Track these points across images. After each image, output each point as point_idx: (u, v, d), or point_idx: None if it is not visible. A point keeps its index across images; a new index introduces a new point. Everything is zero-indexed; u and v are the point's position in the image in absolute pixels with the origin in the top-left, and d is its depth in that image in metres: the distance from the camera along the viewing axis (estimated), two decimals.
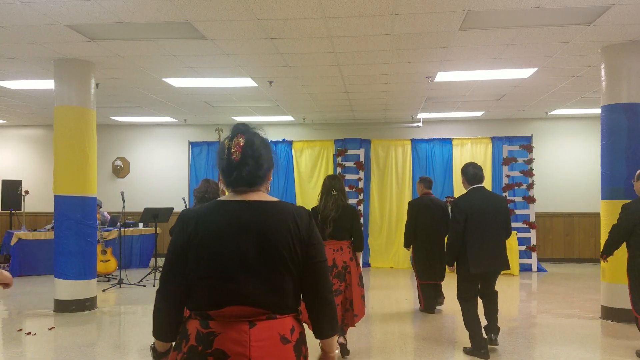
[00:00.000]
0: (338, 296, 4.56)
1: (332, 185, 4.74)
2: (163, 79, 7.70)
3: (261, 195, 1.86)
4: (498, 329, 4.96)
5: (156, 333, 1.86)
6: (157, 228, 9.77)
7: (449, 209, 5.36)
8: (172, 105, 9.73)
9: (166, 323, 1.83)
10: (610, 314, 6.09)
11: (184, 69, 7.12)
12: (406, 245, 6.87)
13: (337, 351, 1.92)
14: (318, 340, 1.92)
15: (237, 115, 10.91)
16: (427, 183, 6.89)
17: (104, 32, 5.68)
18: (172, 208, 9.59)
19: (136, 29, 5.54)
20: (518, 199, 10.41)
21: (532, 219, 10.35)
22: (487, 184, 10.85)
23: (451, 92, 8.67)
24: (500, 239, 4.74)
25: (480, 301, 4.90)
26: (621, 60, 6.09)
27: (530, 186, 10.38)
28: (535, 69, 7.20)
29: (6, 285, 2.33)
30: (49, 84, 7.41)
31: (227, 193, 1.93)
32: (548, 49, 6.26)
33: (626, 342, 5.22)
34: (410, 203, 6.93)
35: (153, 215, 9.04)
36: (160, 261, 9.83)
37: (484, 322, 4.91)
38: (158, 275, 8.90)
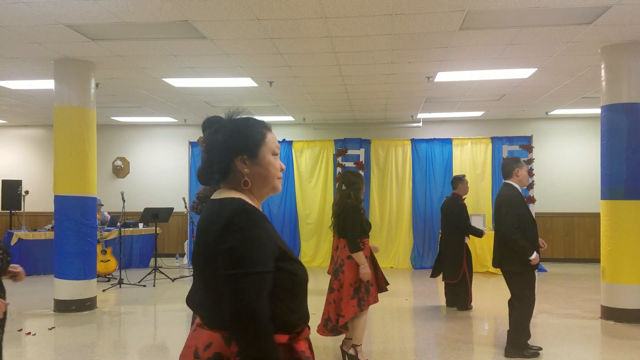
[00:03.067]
0: (331, 294, 4.51)
1: (343, 179, 4.68)
2: (163, 79, 7.70)
3: (221, 193, 1.64)
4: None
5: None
6: (157, 228, 9.77)
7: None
8: (172, 105, 9.73)
9: None
10: (610, 314, 6.09)
11: (184, 69, 7.12)
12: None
13: None
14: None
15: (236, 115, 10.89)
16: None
17: (104, 32, 5.68)
18: (172, 208, 9.59)
19: (136, 29, 5.54)
20: None
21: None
22: (487, 184, 10.87)
23: (451, 92, 8.67)
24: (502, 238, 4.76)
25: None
26: (621, 60, 6.09)
27: (530, 186, 10.37)
28: (535, 69, 7.20)
29: (16, 275, 2.29)
30: (49, 84, 7.41)
31: None
32: (548, 49, 6.26)
33: (626, 342, 5.21)
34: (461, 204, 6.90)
35: (153, 215, 9.04)
36: (160, 261, 9.83)
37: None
38: (158, 275, 8.90)
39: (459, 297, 6.74)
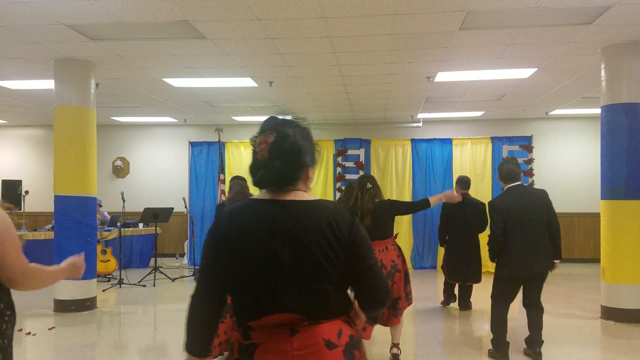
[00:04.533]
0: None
1: (365, 180, 4.59)
2: (163, 79, 7.70)
3: (297, 195, 1.68)
4: (542, 342, 4.66)
5: (189, 346, 1.71)
6: (157, 228, 9.77)
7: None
8: (172, 105, 9.73)
9: (201, 333, 1.70)
10: (610, 314, 6.09)
11: (184, 69, 7.12)
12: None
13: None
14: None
15: (237, 115, 10.92)
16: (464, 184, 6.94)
17: (104, 32, 5.68)
18: (172, 208, 9.59)
19: (136, 29, 5.54)
20: None
21: None
22: (487, 184, 10.86)
23: (451, 92, 8.67)
24: (541, 238, 4.47)
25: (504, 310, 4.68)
26: (621, 60, 6.09)
27: (530, 186, 10.38)
28: (535, 69, 7.20)
29: (76, 270, 2.29)
30: (49, 84, 7.41)
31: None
32: (548, 49, 6.26)
33: (626, 342, 5.22)
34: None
35: (153, 215, 9.04)
36: (160, 261, 9.83)
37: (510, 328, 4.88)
38: (158, 275, 8.91)
39: (463, 298, 6.78)
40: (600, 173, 6.32)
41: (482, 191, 10.80)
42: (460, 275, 6.68)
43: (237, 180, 5.02)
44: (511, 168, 4.59)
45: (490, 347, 4.75)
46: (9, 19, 5.21)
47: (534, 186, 10.37)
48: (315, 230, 1.61)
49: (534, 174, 10.45)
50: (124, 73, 7.38)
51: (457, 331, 5.75)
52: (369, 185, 4.57)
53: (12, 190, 10.62)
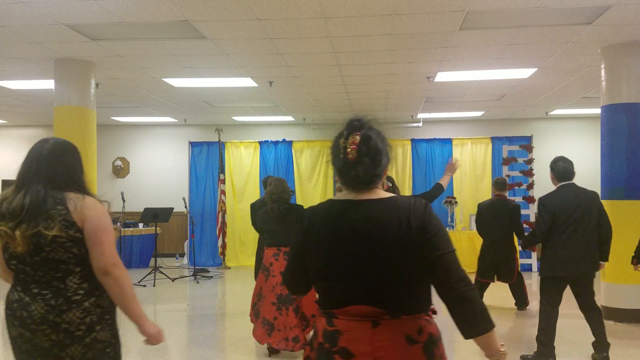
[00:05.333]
0: None
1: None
2: (163, 79, 7.70)
3: (376, 193, 1.77)
4: (609, 344, 4.54)
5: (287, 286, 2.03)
6: (157, 228, 9.77)
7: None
8: (172, 105, 9.73)
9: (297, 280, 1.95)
10: (610, 314, 6.08)
11: (184, 69, 7.12)
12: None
13: (503, 349, 1.71)
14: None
15: (237, 115, 10.91)
16: (500, 185, 6.90)
17: (104, 32, 5.68)
18: (172, 208, 9.59)
19: (136, 29, 5.54)
20: (518, 199, 10.39)
21: (532, 219, 10.34)
22: (487, 184, 10.86)
23: (451, 92, 8.67)
24: (590, 239, 4.41)
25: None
26: (621, 60, 6.08)
27: (530, 186, 10.37)
28: (535, 69, 7.20)
29: (153, 339, 2.33)
30: (49, 84, 7.40)
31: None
32: (548, 49, 6.25)
33: (627, 342, 5.21)
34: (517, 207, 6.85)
35: (153, 215, 9.04)
36: (160, 261, 9.83)
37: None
38: (158, 275, 8.90)
39: (517, 296, 6.86)
40: (600, 173, 6.32)
41: (482, 191, 10.80)
42: (491, 274, 6.70)
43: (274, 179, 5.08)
44: (568, 166, 4.50)
45: (523, 352, 4.69)
46: (9, 19, 5.21)
47: (534, 186, 10.38)
48: (389, 227, 1.69)
49: (534, 174, 10.44)
50: (124, 73, 7.37)
51: (457, 331, 5.75)
52: (389, 185, 4.57)
53: None
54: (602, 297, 6.25)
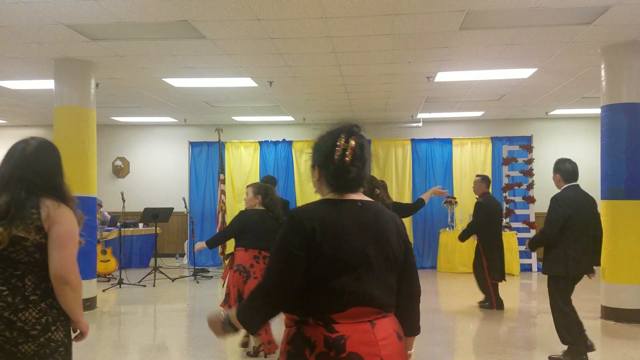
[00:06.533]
0: None
1: (372, 185, 4.63)
2: (163, 79, 7.70)
3: (361, 196, 1.85)
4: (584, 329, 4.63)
5: (244, 322, 1.79)
6: (157, 228, 9.77)
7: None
8: (172, 105, 9.73)
9: (265, 319, 1.80)
10: (610, 314, 6.09)
11: (184, 69, 7.12)
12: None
13: (412, 351, 1.97)
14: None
15: (237, 115, 10.91)
16: (489, 182, 7.00)
17: (104, 32, 5.68)
18: (172, 208, 9.59)
19: (136, 29, 5.54)
20: (518, 199, 10.41)
21: (532, 219, 10.34)
22: None
23: (451, 92, 8.67)
24: (592, 241, 4.52)
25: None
26: (621, 60, 6.08)
27: (530, 186, 10.37)
28: (535, 69, 7.20)
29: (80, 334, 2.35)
30: (49, 84, 7.40)
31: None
32: (548, 49, 6.25)
33: (626, 342, 5.22)
34: (481, 203, 6.87)
35: (153, 215, 9.04)
36: (160, 261, 9.83)
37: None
38: (158, 275, 8.90)
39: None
40: (600, 173, 6.32)
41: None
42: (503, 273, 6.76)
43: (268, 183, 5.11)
44: (574, 168, 4.57)
45: (484, 347, 4.75)
46: (9, 19, 5.21)
47: (534, 186, 10.38)
48: (390, 228, 1.82)
49: (534, 174, 10.44)
50: (124, 73, 7.37)
51: (457, 331, 5.75)
52: (378, 191, 4.58)
53: None
54: (602, 297, 6.25)
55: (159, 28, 5.52)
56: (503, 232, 7.40)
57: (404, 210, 4.99)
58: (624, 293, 5.97)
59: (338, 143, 1.77)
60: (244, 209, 4.99)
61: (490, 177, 7.16)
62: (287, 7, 4.88)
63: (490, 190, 6.97)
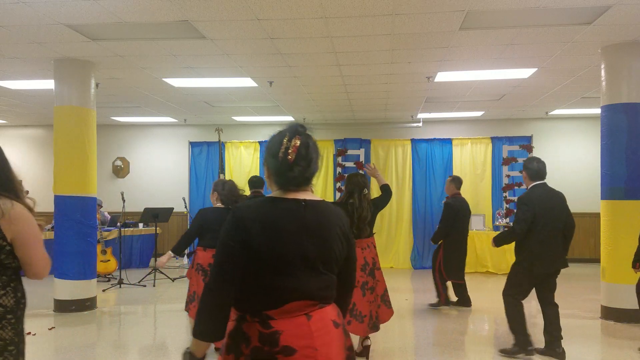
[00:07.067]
0: (372, 294, 4.60)
1: (363, 184, 4.66)
2: (163, 79, 7.70)
3: (308, 194, 1.91)
4: (562, 337, 4.75)
5: (203, 334, 1.79)
6: (157, 228, 9.76)
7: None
8: (172, 105, 9.73)
9: (219, 321, 1.79)
10: (610, 314, 6.09)
11: (184, 69, 7.12)
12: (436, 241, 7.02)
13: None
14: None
15: (237, 115, 10.92)
16: (459, 183, 7.00)
17: (104, 32, 5.68)
18: (172, 208, 9.58)
19: (136, 29, 5.54)
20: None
21: None
22: (487, 184, 10.86)
23: (451, 92, 8.67)
24: (560, 237, 4.61)
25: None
26: (621, 60, 6.09)
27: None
28: (535, 69, 7.20)
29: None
30: (49, 84, 7.41)
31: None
32: (548, 49, 6.26)
33: (626, 342, 5.22)
34: (448, 203, 6.92)
35: (153, 215, 9.04)
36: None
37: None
38: (158, 275, 8.91)
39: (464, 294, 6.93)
40: (600, 173, 6.32)
41: (482, 191, 10.81)
42: (462, 273, 6.84)
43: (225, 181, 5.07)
44: (541, 167, 4.66)
45: (502, 346, 4.82)
46: (9, 19, 5.21)
47: None
48: (333, 227, 1.89)
49: None
50: (124, 73, 7.38)
51: (457, 331, 5.75)
52: (366, 192, 4.63)
53: None
54: (602, 297, 6.25)
55: (159, 28, 5.52)
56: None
57: (380, 203, 4.98)
58: (624, 293, 5.97)
59: (282, 142, 1.85)
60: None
61: (490, 176, 7.17)
62: (287, 7, 4.88)
63: (460, 191, 6.96)
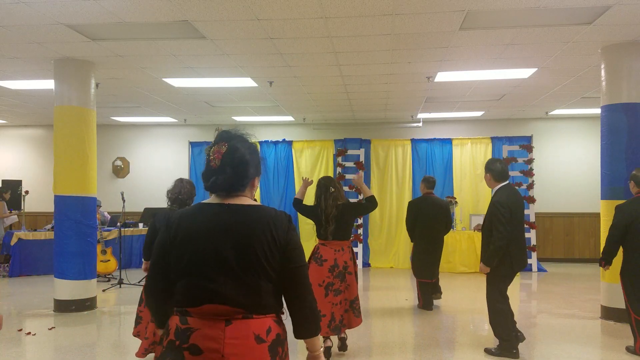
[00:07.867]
0: (338, 296, 4.59)
1: (328, 183, 4.73)
2: (163, 79, 7.70)
3: (242, 200, 1.92)
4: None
5: (154, 321, 2.01)
6: None
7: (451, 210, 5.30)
8: (172, 105, 9.73)
9: (156, 315, 1.97)
10: (610, 314, 6.09)
11: (184, 69, 7.12)
12: (413, 240, 7.05)
13: (321, 349, 1.99)
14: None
15: (237, 115, 10.91)
16: (429, 183, 6.96)
17: (104, 32, 5.68)
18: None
19: (136, 29, 5.54)
20: None
21: (532, 219, 10.35)
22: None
23: (451, 92, 8.67)
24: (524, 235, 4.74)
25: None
26: (621, 60, 6.09)
27: (530, 186, 10.38)
28: (535, 69, 7.20)
29: None
30: (49, 84, 7.41)
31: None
32: (548, 49, 6.26)
33: (626, 342, 5.21)
34: (410, 202, 7.09)
35: (153, 215, 9.01)
36: None
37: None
38: None
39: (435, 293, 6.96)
40: (600, 173, 6.32)
41: (482, 191, 10.80)
42: (428, 272, 6.79)
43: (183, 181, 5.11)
44: (505, 167, 4.73)
45: (488, 345, 4.82)
46: (9, 19, 5.21)
47: (534, 186, 10.39)
48: (256, 232, 1.84)
49: (534, 174, 10.45)
50: (124, 73, 7.38)
51: (457, 331, 5.75)
52: (332, 190, 4.65)
53: (12, 191, 10.61)
54: (602, 297, 6.25)
55: (159, 28, 5.52)
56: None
57: (361, 209, 4.98)
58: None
59: (206, 150, 1.93)
60: None
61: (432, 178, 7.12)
62: (287, 7, 4.88)
63: (432, 191, 6.95)
